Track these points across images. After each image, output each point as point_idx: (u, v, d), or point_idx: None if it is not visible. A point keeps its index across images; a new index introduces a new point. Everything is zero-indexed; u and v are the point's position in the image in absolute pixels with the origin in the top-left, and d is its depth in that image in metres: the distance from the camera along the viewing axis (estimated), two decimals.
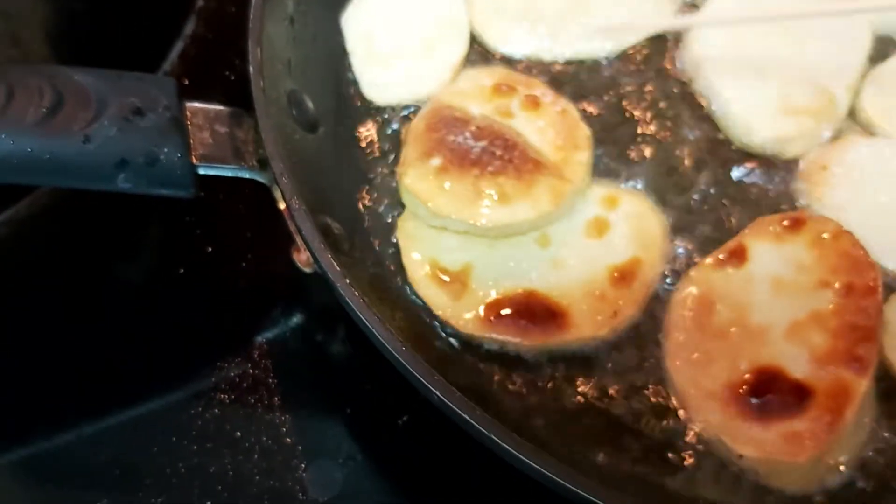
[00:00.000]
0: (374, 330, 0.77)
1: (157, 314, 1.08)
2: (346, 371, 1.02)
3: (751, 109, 1.06)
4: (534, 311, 0.92)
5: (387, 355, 0.78)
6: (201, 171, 0.88)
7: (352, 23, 1.13)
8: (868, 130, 1.06)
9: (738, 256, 0.94)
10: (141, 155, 0.83)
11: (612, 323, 0.92)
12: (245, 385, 1.01)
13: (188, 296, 1.08)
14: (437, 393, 0.74)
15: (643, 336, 0.92)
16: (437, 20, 1.13)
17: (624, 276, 0.94)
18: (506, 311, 0.92)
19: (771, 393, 0.85)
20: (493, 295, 0.93)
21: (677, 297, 0.93)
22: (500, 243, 0.96)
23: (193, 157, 0.87)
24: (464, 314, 0.92)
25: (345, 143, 1.05)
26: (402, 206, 1.00)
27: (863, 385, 0.85)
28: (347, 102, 1.09)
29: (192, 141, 0.87)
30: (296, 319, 1.06)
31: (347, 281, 0.79)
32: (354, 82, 1.10)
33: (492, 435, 0.72)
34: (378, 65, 1.10)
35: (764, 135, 1.04)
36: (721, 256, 0.94)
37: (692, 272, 0.94)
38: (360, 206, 1.02)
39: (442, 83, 1.08)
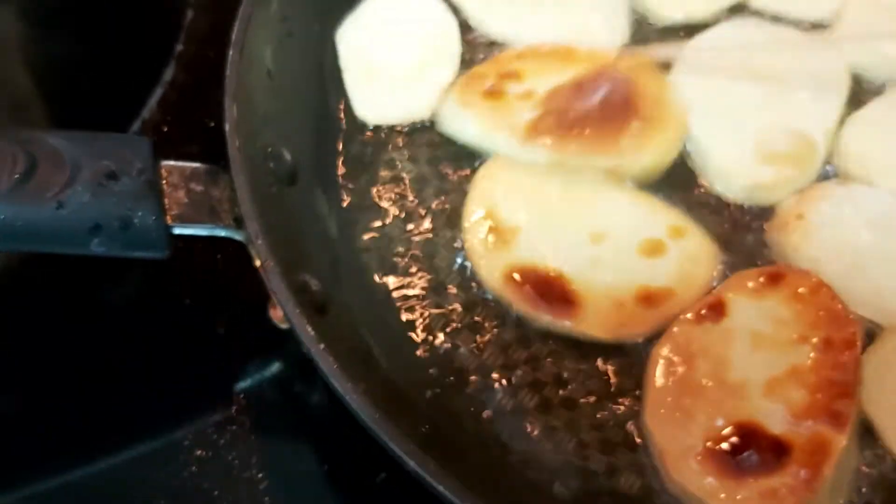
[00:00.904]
0: (348, 398, 0.77)
1: (133, 365, 1.07)
2: (324, 425, 1.01)
3: (728, 157, 1.06)
4: (552, 289, 0.94)
5: (362, 423, 0.77)
6: (176, 231, 0.88)
7: (345, 42, 1.14)
8: (845, 177, 1.06)
9: (717, 311, 0.93)
10: (115, 219, 0.83)
11: (617, 331, 0.93)
12: (223, 441, 1.00)
13: (165, 349, 1.07)
14: (412, 464, 0.73)
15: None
16: (430, 41, 1.16)
17: (651, 299, 0.95)
18: (527, 279, 0.95)
19: (749, 449, 0.85)
20: (525, 261, 0.96)
21: (657, 351, 0.92)
22: (556, 221, 0.99)
23: (168, 218, 0.87)
24: (491, 265, 0.96)
25: (326, 192, 1.05)
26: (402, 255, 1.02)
27: (841, 441, 0.85)
28: (331, 147, 1.10)
29: (166, 201, 0.87)
30: (274, 371, 1.05)
31: (322, 346, 0.79)
32: (338, 123, 1.11)
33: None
34: (372, 83, 1.12)
35: (742, 183, 1.04)
36: (701, 312, 0.94)
37: (674, 327, 0.93)
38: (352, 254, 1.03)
39: (431, 105, 1.11)
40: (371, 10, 1.17)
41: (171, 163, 0.89)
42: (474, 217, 0.99)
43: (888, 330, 0.95)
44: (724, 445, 0.86)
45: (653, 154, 1.05)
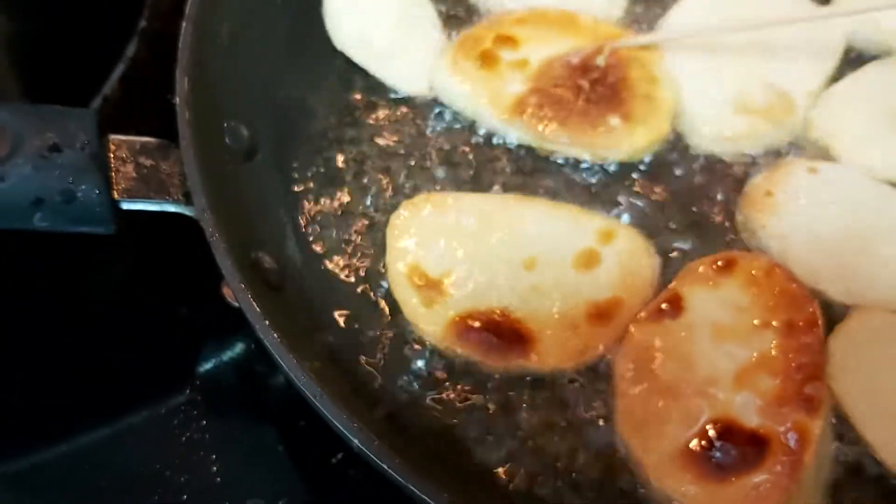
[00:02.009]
0: (293, 375, 0.75)
1: (89, 346, 1.05)
2: (281, 406, 1.00)
3: (704, 105, 1.05)
4: (502, 331, 0.90)
5: (307, 400, 0.75)
6: (124, 206, 0.86)
7: (342, 38, 1.12)
8: (819, 151, 1.04)
9: (675, 306, 0.91)
10: (57, 193, 0.81)
11: (578, 358, 0.90)
12: (176, 421, 0.99)
13: (120, 328, 1.06)
14: (356, 441, 0.71)
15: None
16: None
17: (602, 314, 0.92)
18: (473, 327, 0.91)
19: (728, 448, 0.83)
20: (466, 308, 0.92)
21: (619, 358, 0.90)
22: (487, 259, 0.95)
23: (115, 192, 0.85)
24: (432, 322, 0.92)
25: (284, 170, 1.03)
26: (358, 235, 1.00)
27: (818, 426, 0.83)
28: (290, 126, 1.07)
29: (113, 175, 0.85)
30: (236, 352, 1.03)
31: (267, 322, 0.77)
32: (299, 103, 1.09)
33: (409, 484, 0.70)
34: (392, 61, 1.10)
35: (712, 132, 1.03)
36: (662, 307, 0.91)
37: (631, 329, 0.91)
38: (307, 233, 1.00)
39: (442, 48, 1.10)
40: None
41: (120, 137, 0.88)
42: (399, 278, 0.94)
43: (857, 310, 0.93)
44: (702, 446, 0.84)
45: (629, 149, 1.03)
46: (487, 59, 1.07)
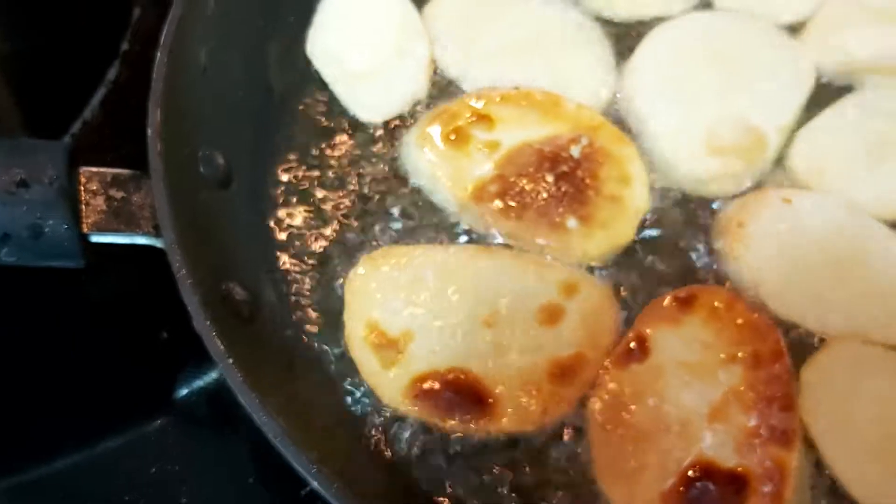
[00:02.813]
0: (254, 415, 0.75)
1: (65, 370, 1.06)
2: (253, 436, 0.99)
3: (675, 145, 1.04)
4: (461, 392, 0.89)
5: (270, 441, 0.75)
6: (94, 239, 0.86)
7: (318, 52, 1.12)
8: (795, 185, 1.03)
9: (641, 349, 0.90)
10: (24, 228, 0.82)
11: (540, 420, 0.89)
12: (150, 447, 1.00)
13: (99, 353, 1.06)
14: (315, 483, 0.72)
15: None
16: (397, 25, 1.13)
17: (564, 372, 0.90)
18: (432, 389, 0.89)
19: (708, 490, 0.83)
20: (425, 369, 0.90)
21: (592, 408, 0.89)
22: (447, 316, 0.93)
23: (84, 226, 0.85)
24: (390, 385, 0.90)
25: (259, 198, 1.03)
26: (340, 262, 0.99)
27: (794, 459, 0.83)
28: (266, 153, 1.07)
29: (83, 208, 0.86)
30: (208, 380, 1.04)
31: (230, 361, 0.77)
32: (276, 129, 1.08)
33: None
34: (359, 85, 1.09)
35: (685, 171, 1.02)
36: (630, 347, 0.91)
37: (602, 379, 0.90)
38: (282, 264, 1.00)
39: (421, 83, 1.09)
40: (329, 16, 1.14)
41: (91, 169, 0.88)
42: (357, 339, 0.92)
43: (830, 340, 0.93)
44: (682, 491, 0.83)
45: (582, 255, 0.98)
46: (459, 136, 1.03)
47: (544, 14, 1.15)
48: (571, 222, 0.98)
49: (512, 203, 0.99)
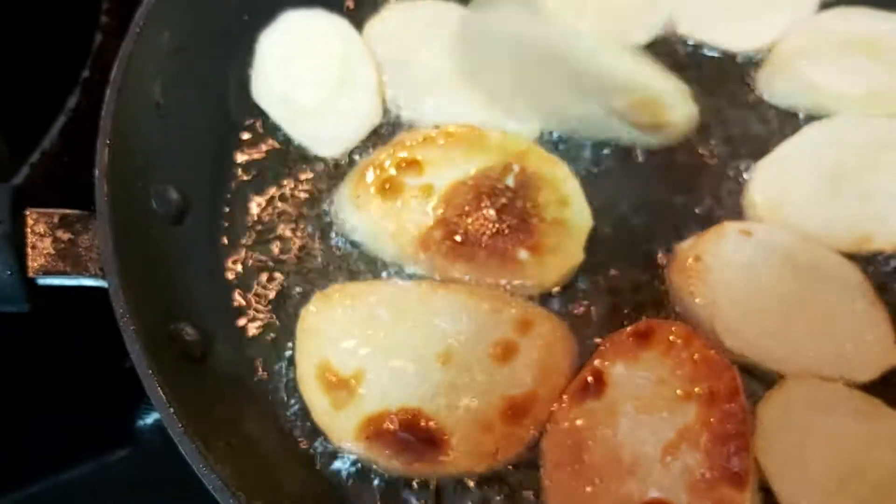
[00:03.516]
0: (193, 465, 0.75)
1: (29, 400, 1.06)
2: None
3: None
4: (413, 433, 0.88)
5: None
6: (40, 282, 0.86)
7: (264, 93, 1.10)
8: (753, 217, 1.03)
9: (598, 384, 0.90)
10: None
11: (490, 461, 0.89)
12: (113, 482, 1.01)
13: (59, 391, 1.06)
14: None
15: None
16: (340, 53, 1.12)
17: (517, 411, 0.90)
18: (384, 430, 0.88)
19: None
20: (377, 409, 0.89)
21: (546, 444, 0.89)
22: (400, 354, 0.92)
23: (30, 270, 0.85)
24: (342, 426, 0.90)
25: (213, 231, 1.03)
26: (296, 298, 0.99)
27: (746, 500, 0.83)
28: (227, 185, 1.06)
29: (29, 252, 0.86)
30: None
31: (171, 410, 0.77)
32: (231, 162, 1.08)
33: None
34: (312, 121, 1.08)
35: None
36: (587, 381, 0.91)
37: (555, 414, 0.90)
38: (236, 300, 1.00)
39: (374, 110, 1.08)
40: (268, 55, 1.12)
41: (39, 210, 0.88)
42: (308, 379, 0.91)
43: (786, 377, 0.93)
44: None
45: (539, 284, 0.98)
46: (391, 187, 1.01)
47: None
48: (522, 254, 0.98)
49: (460, 245, 0.98)
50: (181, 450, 0.76)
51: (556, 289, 0.99)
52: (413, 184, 1.01)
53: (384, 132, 1.09)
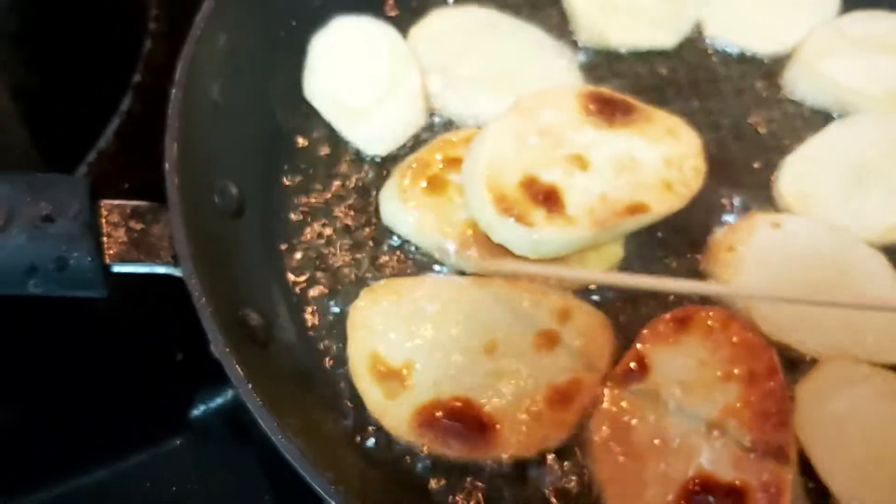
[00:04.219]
0: (273, 437, 0.79)
1: (86, 390, 1.09)
2: (267, 453, 1.03)
3: None
4: (465, 421, 0.91)
5: (288, 462, 0.79)
6: (115, 269, 0.90)
7: (316, 94, 1.15)
8: (782, 210, 1.08)
9: (640, 368, 0.94)
10: (51, 261, 0.85)
11: (540, 445, 0.92)
12: (168, 467, 1.03)
13: (115, 381, 1.09)
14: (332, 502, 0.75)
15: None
16: (387, 58, 1.16)
17: (563, 397, 0.93)
18: (436, 418, 0.91)
19: (708, 503, 0.86)
20: (428, 398, 0.92)
21: (595, 429, 0.92)
22: (447, 345, 0.96)
23: (106, 257, 0.88)
24: (395, 415, 0.93)
25: (271, 226, 1.07)
26: (343, 289, 1.02)
27: (789, 473, 0.87)
28: (281, 182, 1.11)
29: (105, 240, 0.89)
30: (224, 399, 1.07)
31: (250, 387, 0.81)
32: (286, 158, 1.12)
33: None
34: (360, 120, 1.12)
35: None
36: (630, 367, 0.94)
37: (600, 398, 0.93)
38: (294, 290, 1.04)
39: (419, 112, 1.12)
40: (320, 57, 1.17)
41: (112, 202, 0.91)
42: (360, 371, 0.95)
43: (823, 359, 0.97)
44: None
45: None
46: (435, 184, 1.04)
47: (524, 42, 1.19)
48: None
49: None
50: (260, 423, 0.80)
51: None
52: (456, 181, 1.05)
53: (425, 134, 1.14)
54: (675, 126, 1.08)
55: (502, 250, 1.00)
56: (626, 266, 1.04)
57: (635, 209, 1.00)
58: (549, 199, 0.99)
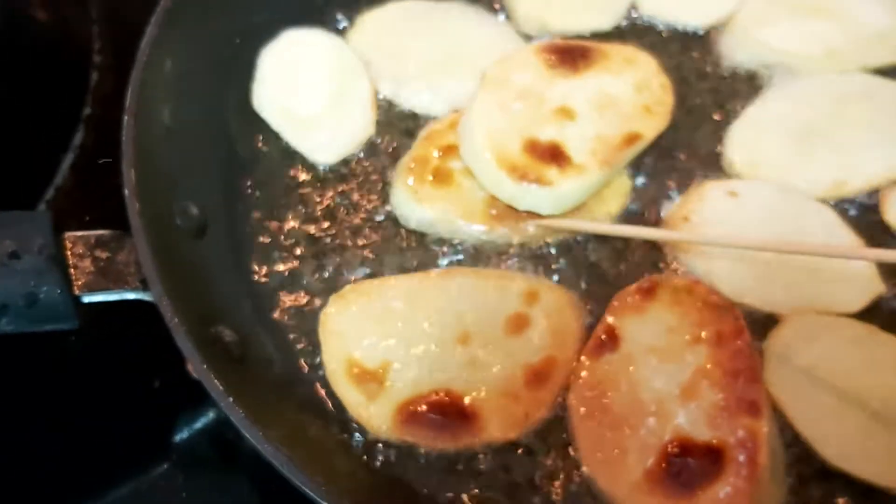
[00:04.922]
0: (259, 447, 0.80)
1: (67, 423, 1.10)
2: (254, 470, 1.04)
3: None
4: (446, 413, 0.93)
5: (278, 472, 0.80)
6: (85, 300, 0.90)
7: (265, 104, 1.16)
8: (733, 176, 1.10)
9: (612, 339, 0.96)
10: (20, 297, 0.86)
11: (522, 425, 0.94)
12: (157, 497, 1.04)
13: (95, 412, 1.10)
14: None
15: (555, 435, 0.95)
16: (336, 69, 1.18)
17: (538, 376, 0.95)
18: (418, 413, 0.93)
19: (687, 464, 0.88)
20: (408, 395, 0.94)
21: (571, 402, 0.95)
22: (420, 341, 0.97)
23: (75, 288, 0.89)
24: (377, 416, 0.94)
25: (235, 241, 1.08)
26: (313, 297, 1.04)
27: (764, 426, 0.89)
28: (240, 197, 1.12)
29: (72, 272, 0.90)
30: (206, 421, 1.08)
31: (231, 400, 0.82)
32: (244, 173, 1.13)
33: None
34: (309, 130, 1.14)
35: None
36: (602, 338, 0.97)
37: (576, 372, 0.96)
38: (265, 302, 1.05)
39: (368, 121, 1.14)
40: (269, 69, 1.18)
41: (75, 233, 0.92)
42: (338, 376, 0.96)
43: (787, 314, 0.99)
44: (664, 468, 0.89)
45: (607, 210, 1.08)
46: (441, 177, 1.07)
47: (467, 25, 1.22)
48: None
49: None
50: (245, 434, 0.81)
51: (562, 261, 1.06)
52: (458, 167, 1.08)
53: (387, 135, 1.16)
54: (630, 54, 1.14)
55: (528, 216, 1.04)
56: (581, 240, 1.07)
57: (630, 139, 1.06)
58: (554, 155, 1.03)
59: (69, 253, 0.90)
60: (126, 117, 0.98)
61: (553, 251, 1.06)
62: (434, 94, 1.16)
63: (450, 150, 1.09)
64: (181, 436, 1.10)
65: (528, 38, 1.22)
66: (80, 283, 0.89)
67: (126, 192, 0.93)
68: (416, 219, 1.07)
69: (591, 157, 1.04)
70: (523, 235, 1.05)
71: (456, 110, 1.13)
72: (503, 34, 1.22)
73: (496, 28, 1.23)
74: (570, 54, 1.12)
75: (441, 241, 1.07)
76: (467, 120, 1.06)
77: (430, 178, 1.07)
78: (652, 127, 1.09)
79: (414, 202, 1.06)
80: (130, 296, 0.92)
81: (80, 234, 0.92)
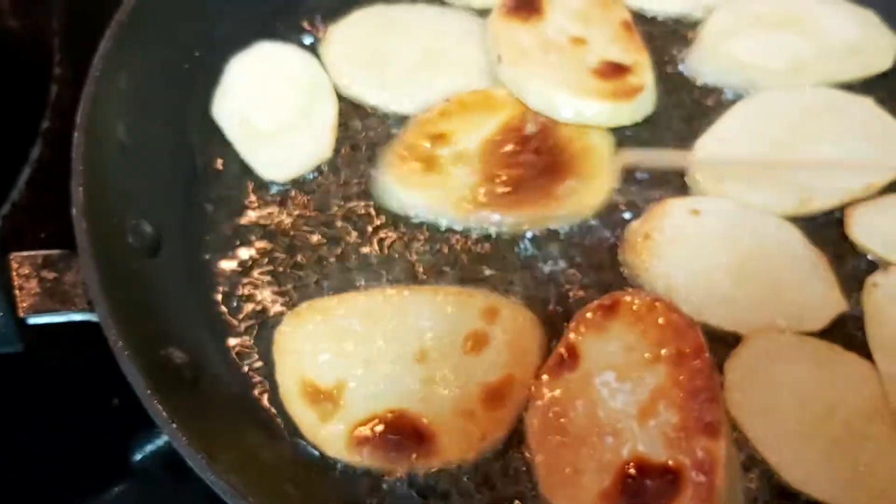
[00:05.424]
0: (202, 476, 0.78)
1: (23, 443, 1.08)
2: (211, 490, 1.02)
3: None
4: (402, 433, 0.91)
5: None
6: (31, 322, 0.89)
7: (225, 113, 1.14)
8: (696, 193, 1.09)
9: (571, 357, 0.95)
10: None
11: (479, 447, 0.92)
12: None
13: (61, 425, 1.09)
14: None
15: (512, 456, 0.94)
16: (304, 87, 1.17)
17: (496, 395, 0.94)
18: (373, 434, 0.91)
19: (644, 486, 0.87)
20: (363, 416, 0.92)
21: (529, 420, 0.93)
22: (377, 359, 0.96)
23: (20, 310, 0.88)
24: (331, 436, 0.92)
25: (189, 261, 1.06)
26: (269, 316, 1.02)
27: (721, 448, 0.87)
28: (198, 213, 1.10)
29: (17, 293, 0.88)
30: (159, 443, 1.06)
31: (174, 426, 0.80)
32: (204, 193, 1.11)
33: None
34: (264, 145, 1.12)
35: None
36: (562, 355, 0.95)
37: (535, 391, 0.94)
38: (219, 322, 1.03)
39: (325, 145, 1.12)
40: (236, 79, 1.17)
41: (21, 254, 0.90)
42: (292, 396, 0.94)
43: (748, 334, 0.98)
44: (620, 489, 0.87)
45: (588, 206, 1.08)
46: (429, 163, 1.08)
47: (439, 23, 1.22)
48: (572, 183, 1.07)
49: (508, 194, 1.06)
50: (188, 461, 0.79)
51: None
52: (447, 154, 1.09)
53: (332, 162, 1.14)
54: None
55: (517, 199, 1.05)
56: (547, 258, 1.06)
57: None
58: (616, 72, 1.13)
59: (14, 274, 0.89)
60: (76, 133, 0.96)
61: (516, 264, 1.05)
62: (414, 95, 1.16)
63: (439, 139, 1.10)
64: (139, 455, 1.08)
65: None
66: (24, 304, 0.88)
67: (74, 210, 0.91)
68: (406, 205, 1.07)
69: (637, 66, 1.13)
70: (510, 222, 1.05)
71: (447, 99, 1.14)
72: (475, 23, 1.22)
73: (465, 23, 1.23)
74: None
75: (399, 261, 1.06)
76: (524, 81, 1.13)
77: (418, 165, 1.08)
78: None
79: (403, 186, 1.06)
80: (77, 317, 0.90)
81: (25, 254, 0.91)
